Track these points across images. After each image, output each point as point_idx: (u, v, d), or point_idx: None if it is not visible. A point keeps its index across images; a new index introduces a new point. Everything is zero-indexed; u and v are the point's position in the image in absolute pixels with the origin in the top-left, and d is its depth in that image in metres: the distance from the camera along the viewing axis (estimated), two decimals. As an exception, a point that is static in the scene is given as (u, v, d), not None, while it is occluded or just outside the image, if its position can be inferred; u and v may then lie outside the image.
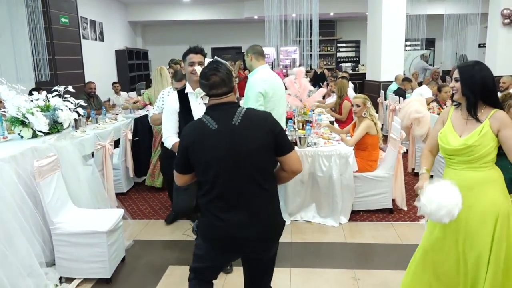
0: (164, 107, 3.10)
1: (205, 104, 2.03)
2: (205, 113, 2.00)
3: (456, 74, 2.26)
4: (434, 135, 2.39)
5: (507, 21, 8.86)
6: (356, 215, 4.26)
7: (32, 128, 3.17)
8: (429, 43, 14.05)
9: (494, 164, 2.23)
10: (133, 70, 12.32)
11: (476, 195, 2.19)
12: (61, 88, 3.65)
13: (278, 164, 2.06)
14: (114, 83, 8.77)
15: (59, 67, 7.19)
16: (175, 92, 2.99)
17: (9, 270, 2.51)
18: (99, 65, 10.10)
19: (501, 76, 7.01)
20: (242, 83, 7.15)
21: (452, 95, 2.32)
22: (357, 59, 15.06)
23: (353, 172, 4.12)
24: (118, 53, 11.76)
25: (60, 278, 3.06)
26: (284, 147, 1.99)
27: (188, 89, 2.93)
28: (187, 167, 1.99)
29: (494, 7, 9.11)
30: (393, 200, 4.40)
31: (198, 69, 2.75)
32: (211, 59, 2.13)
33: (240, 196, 1.93)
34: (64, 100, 3.61)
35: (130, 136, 5.08)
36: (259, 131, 1.93)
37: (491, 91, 2.22)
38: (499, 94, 4.15)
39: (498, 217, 2.16)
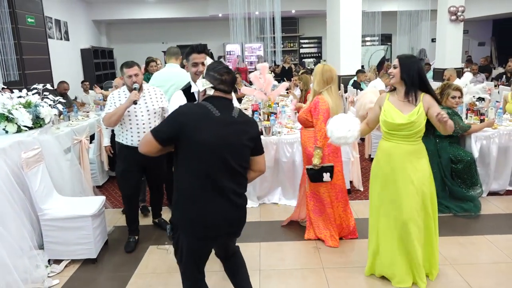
0: (170, 107, 3.02)
1: (207, 95, 2.13)
2: (206, 100, 2.11)
3: (395, 63, 2.79)
4: (372, 114, 2.95)
5: (453, 17, 9.59)
6: (318, 196, 4.70)
7: (16, 123, 3.40)
8: (386, 39, 14.81)
9: (421, 140, 2.83)
10: (99, 69, 12.37)
11: (411, 163, 2.77)
12: (40, 86, 3.90)
13: None
14: (83, 81, 8.88)
15: (27, 67, 7.27)
16: (181, 92, 2.99)
17: (9, 250, 2.78)
18: (65, 64, 10.15)
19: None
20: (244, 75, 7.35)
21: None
22: (319, 54, 15.63)
23: (314, 157, 4.54)
24: (84, 52, 11.79)
25: (49, 260, 3.32)
26: (260, 149, 2.24)
27: (194, 88, 2.92)
28: (171, 141, 2.04)
29: (442, 5, 9.82)
30: (351, 182, 4.88)
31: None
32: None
33: (227, 181, 2.06)
34: (43, 98, 3.85)
35: (104, 132, 5.31)
36: (250, 128, 2.16)
37: (423, 79, 2.76)
38: (440, 84, 4.68)
39: (424, 180, 2.79)
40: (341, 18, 8.78)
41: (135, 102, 3.38)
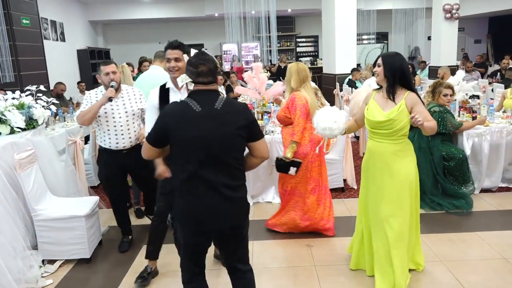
0: (147, 103, 3.04)
1: (188, 90, 2.15)
2: (188, 96, 2.12)
3: (379, 61, 2.77)
4: (360, 110, 2.97)
5: (448, 15, 9.62)
6: (311, 195, 4.73)
7: (9, 125, 3.42)
8: (383, 37, 14.85)
9: (407, 139, 2.79)
10: (96, 69, 12.34)
11: (394, 162, 2.74)
12: (33, 88, 3.92)
13: (247, 151, 2.21)
14: (79, 82, 8.91)
15: (22, 68, 7.29)
16: (157, 88, 2.95)
17: (2, 250, 2.80)
18: (61, 65, 10.16)
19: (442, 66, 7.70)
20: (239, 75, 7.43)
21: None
22: (316, 53, 15.65)
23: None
24: (80, 52, 11.80)
25: (43, 261, 3.35)
26: (256, 134, 2.16)
27: (169, 84, 2.90)
28: (162, 142, 2.10)
29: (437, 3, 9.85)
30: (345, 180, 4.91)
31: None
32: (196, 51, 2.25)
33: (215, 175, 2.04)
34: (36, 99, 3.88)
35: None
36: (237, 116, 2.09)
37: (407, 77, 2.74)
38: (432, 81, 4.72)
39: (404, 182, 2.74)
40: (336, 16, 8.80)
41: (110, 99, 3.26)
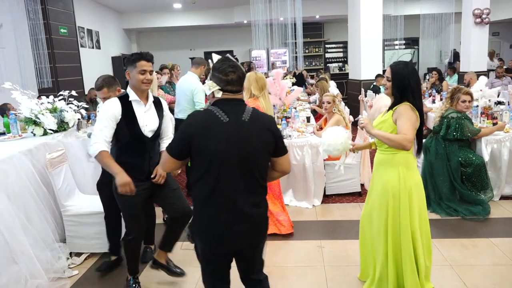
0: (99, 112, 2.78)
1: (216, 97, 2.01)
2: (213, 105, 2.00)
3: (388, 74, 2.63)
4: None
5: (478, 20, 9.45)
6: (329, 198, 4.83)
7: (43, 127, 3.72)
8: (413, 42, 14.67)
9: (397, 152, 2.57)
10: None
11: (380, 172, 2.70)
12: (66, 93, 4.23)
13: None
14: (112, 88, 9.32)
15: (59, 75, 7.77)
16: (116, 99, 2.74)
17: (33, 242, 3.07)
18: (96, 71, 10.59)
19: (475, 72, 7.61)
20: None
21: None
22: (345, 59, 15.60)
23: (324, 160, 4.68)
24: (114, 59, 12.31)
25: (70, 253, 3.61)
26: (282, 149, 2.07)
27: (132, 97, 2.74)
28: (185, 154, 1.98)
29: (466, 7, 9.70)
30: (362, 185, 4.97)
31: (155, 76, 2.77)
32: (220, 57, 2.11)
33: (237, 191, 1.96)
34: (68, 104, 4.18)
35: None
36: (265, 130, 1.99)
37: (414, 92, 2.55)
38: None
39: (390, 195, 2.61)
40: (361, 22, 8.83)
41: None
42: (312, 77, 10.98)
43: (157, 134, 2.89)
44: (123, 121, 2.70)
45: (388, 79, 2.63)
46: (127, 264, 3.05)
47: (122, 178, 2.57)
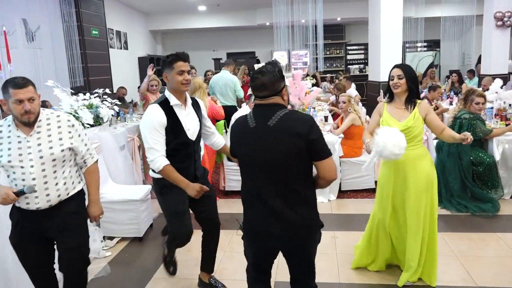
0: (144, 122, 2.61)
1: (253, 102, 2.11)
2: (252, 110, 2.11)
3: (398, 72, 2.89)
4: (372, 122, 3.14)
5: (500, 23, 9.47)
6: (344, 194, 5.06)
7: (81, 121, 4.08)
8: (435, 44, 14.65)
9: (422, 143, 2.98)
10: (155, 75, 13.30)
11: (412, 167, 2.91)
12: (100, 91, 4.60)
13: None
14: (140, 87, 9.74)
15: (91, 74, 8.21)
16: (157, 105, 2.60)
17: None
18: (124, 71, 11.11)
19: (495, 75, 7.68)
20: (246, 87, 7.91)
21: (388, 90, 3.04)
22: (366, 61, 15.69)
23: (340, 157, 4.92)
24: (141, 60, 12.77)
25: (104, 237, 3.96)
26: (317, 153, 1.96)
27: (173, 101, 2.62)
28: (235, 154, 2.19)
29: (488, 10, 9.73)
30: (376, 182, 5.17)
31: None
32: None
33: (260, 195, 2.01)
34: (102, 101, 4.54)
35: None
36: (291, 134, 1.92)
37: (418, 87, 2.98)
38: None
39: (429, 184, 2.92)
40: (381, 24, 8.95)
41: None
42: (331, 80, 11.19)
43: (200, 135, 2.83)
44: (169, 128, 2.59)
45: (400, 77, 2.88)
46: (163, 257, 3.10)
47: (193, 187, 2.56)
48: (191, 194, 2.58)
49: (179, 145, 2.66)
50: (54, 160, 2.29)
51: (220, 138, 3.00)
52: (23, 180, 2.25)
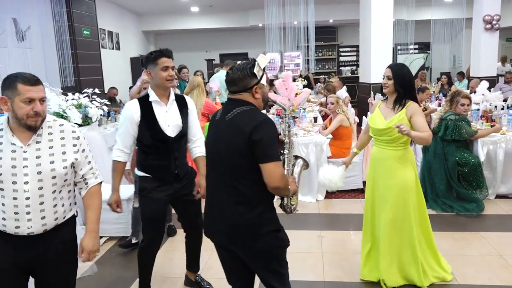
0: (122, 114, 2.72)
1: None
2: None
3: (388, 73, 2.92)
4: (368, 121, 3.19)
5: (488, 26, 9.59)
6: (332, 194, 5.11)
7: (69, 121, 4.09)
8: (426, 47, 14.79)
9: (407, 146, 2.95)
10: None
11: (391, 168, 2.94)
12: (89, 91, 4.62)
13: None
14: (131, 87, 9.75)
15: (82, 74, 8.21)
16: (135, 100, 2.67)
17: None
18: (116, 71, 11.11)
19: (485, 77, 7.79)
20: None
21: (381, 89, 3.09)
22: (358, 63, 15.80)
23: (328, 157, 4.97)
24: (133, 60, 12.77)
25: (91, 236, 3.96)
26: (257, 156, 1.89)
27: (152, 97, 2.64)
28: None
29: (477, 13, 9.85)
30: (364, 182, 5.23)
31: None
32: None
33: (213, 188, 2.07)
34: (91, 101, 4.56)
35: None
36: (238, 132, 1.91)
37: (413, 89, 2.95)
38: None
39: (403, 187, 2.92)
40: (372, 26, 9.04)
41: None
42: (324, 81, 11.30)
43: (182, 134, 2.75)
44: (143, 122, 2.60)
45: (389, 78, 2.89)
46: (139, 276, 2.94)
47: (111, 197, 2.79)
48: (109, 199, 2.75)
49: (157, 142, 2.66)
50: (54, 177, 1.92)
51: (198, 149, 2.85)
52: (14, 199, 1.84)
